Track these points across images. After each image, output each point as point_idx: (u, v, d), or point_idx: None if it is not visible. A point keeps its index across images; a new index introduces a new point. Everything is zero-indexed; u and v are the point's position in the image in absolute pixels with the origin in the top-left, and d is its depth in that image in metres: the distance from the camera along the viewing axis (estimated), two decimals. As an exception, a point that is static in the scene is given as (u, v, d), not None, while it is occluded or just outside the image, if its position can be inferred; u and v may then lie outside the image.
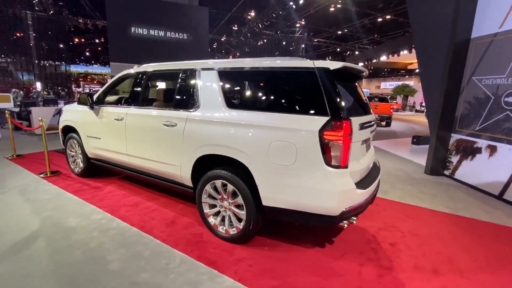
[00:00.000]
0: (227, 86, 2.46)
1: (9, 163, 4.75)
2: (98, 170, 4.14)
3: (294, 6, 17.76)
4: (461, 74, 4.52)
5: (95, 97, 3.62)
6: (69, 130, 4.04)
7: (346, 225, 2.12)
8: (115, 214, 2.95)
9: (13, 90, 11.97)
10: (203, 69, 2.61)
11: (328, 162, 1.91)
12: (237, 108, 2.36)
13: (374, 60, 21.72)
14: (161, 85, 4.39)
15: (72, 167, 4.22)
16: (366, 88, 43.66)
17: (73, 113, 3.93)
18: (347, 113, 1.96)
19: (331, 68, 1.99)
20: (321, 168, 1.92)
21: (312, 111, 1.97)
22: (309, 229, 2.77)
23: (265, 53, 24.29)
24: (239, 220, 2.39)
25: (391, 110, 12.50)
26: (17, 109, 8.47)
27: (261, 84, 2.38)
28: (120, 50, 10.69)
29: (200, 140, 2.47)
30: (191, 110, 2.59)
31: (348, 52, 30.82)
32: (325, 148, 1.89)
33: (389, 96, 22.57)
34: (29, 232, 2.54)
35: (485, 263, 2.33)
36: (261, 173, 2.14)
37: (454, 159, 4.70)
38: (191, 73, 2.69)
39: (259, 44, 25.33)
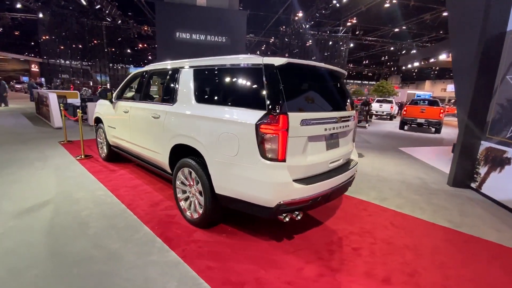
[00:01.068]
0: (197, 82, 2.68)
1: (59, 147, 5.81)
2: (118, 156, 4.80)
3: (338, 5, 17.06)
4: (494, 73, 3.90)
5: (115, 93, 4.23)
6: (98, 121, 4.79)
7: (287, 219, 2.13)
8: (114, 192, 3.44)
9: (84, 88, 14.30)
10: (183, 67, 2.88)
11: (264, 155, 1.98)
12: (202, 102, 2.57)
13: (432, 60, 19.41)
14: (159, 82, 4.87)
15: (99, 152, 4.98)
16: (429, 91, 39.07)
17: (101, 107, 4.65)
18: (286, 108, 1.99)
19: (276, 64, 2.05)
20: (258, 160, 2.00)
21: (254, 105, 2.06)
22: (277, 224, 2.81)
23: (313, 54, 23.80)
24: (201, 206, 2.59)
25: (441, 115, 11.10)
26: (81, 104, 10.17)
27: (220, 80, 2.54)
28: (166, 53, 11.87)
29: (173, 131, 2.75)
30: (171, 104, 2.89)
31: (404, 51, 28.17)
32: (261, 141, 1.97)
33: (452, 100, 19.92)
34: (45, 199, 3.17)
35: (456, 284, 2.07)
36: (213, 163, 2.30)
37: (482, 170, 4.07)
38: (176, 72, 2.99)
39: (307, 45, 24.95)
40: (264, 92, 2.02)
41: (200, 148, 2.41)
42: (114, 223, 2.69)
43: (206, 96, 2.62)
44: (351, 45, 26.48)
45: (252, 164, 2.03)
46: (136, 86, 3.86)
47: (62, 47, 21.35)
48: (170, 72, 3.10)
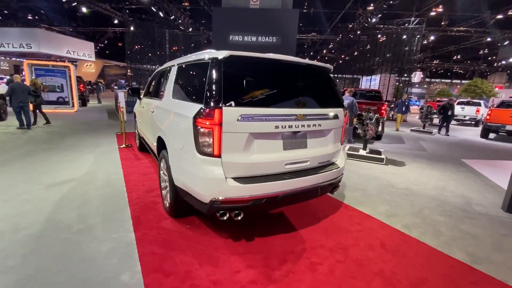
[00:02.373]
0: (175, 79, 2.83)
1: (113, 137, 6.92)
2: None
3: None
4: None
5: (143, 91, 4.81)
6: (135, 115, 5.52)
7: (224, 218, 2.06)
8: (125, 178, 3.92)
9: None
10: (173, 65, 3.09)
11: (199, 149, 1.96)
12: (174, 97, 2.70)
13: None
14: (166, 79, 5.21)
15: (137, 142, 5.73)
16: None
17: (136, 103, 5.35)
18: (222, 102, 1.92)
19: (219, 57, 2.00)
20: (194, 154, 2.00)
21: (197, 99, 2.07)
22: (250, 224, 2.73)
23: (384, 49, 21.51)
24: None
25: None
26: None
27: (185, 75, 2.63)
28: (221, 56, 12.63)
29: (158, 124, 2.97)
30: (160, 100, 3.13)
31: (506, 42, 22.63)
32: (197, 135, 1.96)
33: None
34: (74, 177, 3.85)
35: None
36: (171, 155, 2.41)
37: (553, 195, 3.00)
38: (168, 70, 3.22)
39: (380, 40, 22.68)
40: (204, 86, 2.00)
41: (166, 140, 2.55)
42: (106, 202, 3.10)
43: (176, 92, 2.74)
44: (431, 37, 22.75)
45: (191, 158, 2.05)
46: (152, 84, 4.31)
47: (149, 54, 25.12)
48: (165, 70, 3.35)
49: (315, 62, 2.48)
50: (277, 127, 2.08)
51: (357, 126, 6.18)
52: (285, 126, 2.12)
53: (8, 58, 21.83)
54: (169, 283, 1.88)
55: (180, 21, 20.94)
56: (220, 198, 1.96)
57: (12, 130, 7.02)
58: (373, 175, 4.70)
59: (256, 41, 12.62)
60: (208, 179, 1.94)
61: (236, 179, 2.01)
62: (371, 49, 22.65)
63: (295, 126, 2.18)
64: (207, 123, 1.90)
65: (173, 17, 20.15)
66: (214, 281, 1.92)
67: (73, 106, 11.69)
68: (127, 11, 22.39)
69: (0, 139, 6.02)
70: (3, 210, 2.80)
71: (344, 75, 24.96)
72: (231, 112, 1.92)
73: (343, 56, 27.86)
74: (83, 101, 13.86)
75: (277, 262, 2.18)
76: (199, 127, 1.94)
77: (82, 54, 20.85)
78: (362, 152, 5.73)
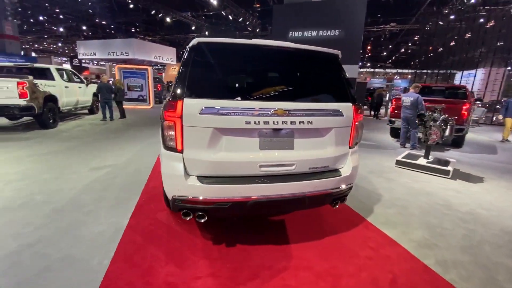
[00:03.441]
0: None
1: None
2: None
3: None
4: None
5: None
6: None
7: (187, 218, 1.91)
8: (154, 168, 4.23)
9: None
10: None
11: (164, 143, 1.88)
12: None
13: None
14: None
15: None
16: None
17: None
18: (184, 93, 1.78)
19: (189, 46, 1.87)
20: (162, 147, 1.93)
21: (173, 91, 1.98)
22: (239, 229, 2.54)
23: (491, 37, 17.36)
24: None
25: None
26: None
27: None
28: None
29: None
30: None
31: None
32: (163, 128, 1.87)
33: None
34: (114, 163, 4.37)
35: None
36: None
37: None
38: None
39: (486, 26, 18.36)
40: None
41: None
42: (125, 188, 3.38)
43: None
44: None
45: (162, 152, 1.98)
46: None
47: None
48: None
49: (312, 47, 2.07)
50: (248, 122, 1.81)
51: (419, 128, 5.09)
52: (258, 122, 1.82)
53: (109, 64, 26.86)
54: (128, 275, 1.87)
55: (248, 22, 21.68)
56: (181, 196, 1.83)
57: (96, 122, 8.57)
58: (427, 190, 3.76)
59: (316, 36, 11.94)
60: (169, 175, 1.85)
61: (200, 178, 1.85)
62: (472, 38, 18.47)
63: (274, 122, 1.85)
64: (170, 116, 1.79)
65: (241, 19, 21.01)
66: (169, 283, 1.82)
67: (149, 103, 13.51)
68: (203, 17, 24.51)
69: (84, 128, 7.42)
70: (50, 185, 3.37)
71: (436, 71, 21.19)
72: (192, 104, 1.76)
73: (430, 48, 23.73)
74: (160, 99, 15.88)
75: (246, 276, 1.92)
76: (164, 119, 1.85)
77: (166, 58, 23.97)
78: (421, 161, 4.67)
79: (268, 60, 2.04)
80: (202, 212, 1.87)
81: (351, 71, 11.87)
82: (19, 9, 19.05)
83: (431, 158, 4.77)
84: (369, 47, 32.34)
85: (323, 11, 11.62)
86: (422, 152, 5.07)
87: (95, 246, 2.18)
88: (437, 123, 4.54)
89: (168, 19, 21.39)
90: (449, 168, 4.35)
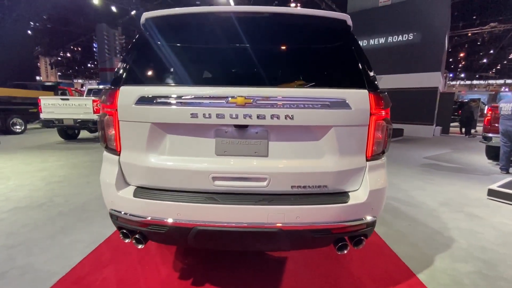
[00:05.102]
0: None
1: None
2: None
3: None
4: None
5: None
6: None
7: (126, 240, 1.45)
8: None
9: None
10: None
11: (103, 141, 1.50)
12: None
13: None
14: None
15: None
16: None
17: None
18: (122, 80, 1.41)
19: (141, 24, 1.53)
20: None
21: None
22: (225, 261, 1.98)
23: None
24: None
25: None
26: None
27: None
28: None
29: None
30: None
31: None
32: (99, 123, 1.52)
33: None
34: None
35: None
36: None
37: None
38: None
39: None
40: None
41: None
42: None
43: None
44: None
45: None
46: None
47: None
48: None
49: (300, 10, 1.43)
50: (194, 115, 1.29)
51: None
52: (209, 115, 1.28)
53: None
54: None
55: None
56: (114, 211, 1.42)
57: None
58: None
59: (384, 43, 10.55)
60: (102, 182, 1.46)
61: (137, 189, 1.41)
62: None
63: (232, 116, 1.28)
64: (107, 107, 1.43)
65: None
66: (122, 278, 1.39)
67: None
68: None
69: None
70: (75, 189, 3.52)
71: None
72: (128, 93, 1.37)
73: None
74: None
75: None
76: (102, 112, 1.48)
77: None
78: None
79: (234, 32, 1.51)
80: (139, 236, 1.41)
81: (431, 79, 9.92)
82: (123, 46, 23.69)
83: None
84: (461, 55, 27.20)
85: (391, 16, 10.23)
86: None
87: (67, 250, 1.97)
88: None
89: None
90: None
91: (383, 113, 1.39)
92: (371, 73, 1.42)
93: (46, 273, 1.77)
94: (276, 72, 1.49)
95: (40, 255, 1.99)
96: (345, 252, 1.41)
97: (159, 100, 1.32)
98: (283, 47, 1.54)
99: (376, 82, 1.41)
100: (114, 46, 21.96)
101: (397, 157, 6.21)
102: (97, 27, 20.53)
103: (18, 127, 9.48)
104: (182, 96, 1.31)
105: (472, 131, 11.13)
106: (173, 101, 1.31)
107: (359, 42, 1.51)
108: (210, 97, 1.30)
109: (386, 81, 9.95)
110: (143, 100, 1.34)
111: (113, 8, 16.01)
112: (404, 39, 10.16)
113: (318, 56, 1.51)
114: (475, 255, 2.11)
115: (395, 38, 10.31)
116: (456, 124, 12.67)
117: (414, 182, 4.15)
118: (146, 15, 1.49)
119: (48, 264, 1.88)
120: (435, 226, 2.61)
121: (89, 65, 34.52)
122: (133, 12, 15.86)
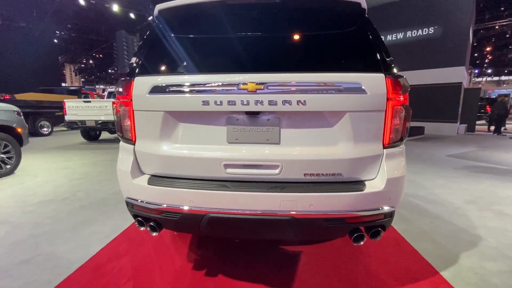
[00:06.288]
0: None
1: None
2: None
3: None
4: None
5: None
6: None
7: (141, 228, 1.48)
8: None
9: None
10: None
11: (120, 132, 1.54)
12: None
13: None
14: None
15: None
16: None
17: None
18: (138, 70, 1.44)
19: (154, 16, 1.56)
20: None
21: None
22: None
23: None
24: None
25: None
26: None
27: None
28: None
29: None
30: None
31: None
32: (115, 114, 1.56)
33: None
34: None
35: None
36: None
37: None
38: None
39: None
40: None
41: None
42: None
43: None
44: None
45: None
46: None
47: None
48: None
49: None
50: (206, 103, 1.29)
51: None
52: (220, 102, 1.28)
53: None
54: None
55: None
56: (130, 199, 1.45)
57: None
58: None
59: (403, 38, 10.20)
60: (119, 170, 1.50)
61: (151, 177, 1.43)
62: None
63: (243, 102, 1.27)
64: (123, 98, 1.47)
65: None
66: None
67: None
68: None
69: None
70: (96, 185, 3.66)
71: None
72: (142, 83, 1.40)
73: None
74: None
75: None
76: (118, 103, 1.53)
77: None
78: None
79: (246, 19, 1.50)
80: (154, 223, 1.43)
81: (454, 74, 9.45)
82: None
83: None
84: (488, 49, 25.76)
85: (409, 10, 9.86)
86: None
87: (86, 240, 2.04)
88: None
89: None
90: None
91: (401, 98, 1.32)
92: (388, 57, 1.37)
93: (68, 261, 1.84)
94: (289, 58, 1.46)
95: (63, 245, 2.07)
96: (361, 243, 1.36)
97: (171, 89, 1.34)
98: (296, 33, 1.51)
99: (393, 66, 1.35)
100: (133, 52, 22.79)
101: (418, 155, 5.95)
102: (117, 34, 21.41)
103: (45, 129, 10.05)
104: (193, 84, 1.32)
105: (502, 128, 10.44)
106: (185, 89, 1.33)
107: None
108: (221, 84, 1.30)
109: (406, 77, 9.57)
110: (156, 90, 1.37)
111: (131, 15, 16.63)
112: (424, 33, 9.76)
113: (332, 40, 1.47)
114: (506, 253, 1.96)
115: (414, 33, 9.94)
116: (483, 122, 11.95)
117: (436, 180, 3.94)
118: (159, 7, 1.53)
119: (69, 252, 1.96)
120: (460, 224, 2.46)
121: (110, 71, 36.07)
122: (150, 18, 16.39)
